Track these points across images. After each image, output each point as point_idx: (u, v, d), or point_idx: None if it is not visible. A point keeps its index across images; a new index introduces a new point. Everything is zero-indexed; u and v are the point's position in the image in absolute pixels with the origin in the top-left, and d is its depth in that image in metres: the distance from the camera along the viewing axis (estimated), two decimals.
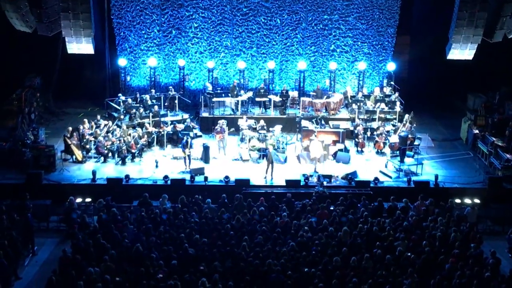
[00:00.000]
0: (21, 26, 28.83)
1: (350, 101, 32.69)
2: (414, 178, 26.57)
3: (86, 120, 29.58)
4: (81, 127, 28.62)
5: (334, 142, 29.01)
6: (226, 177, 25.96)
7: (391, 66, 34.30)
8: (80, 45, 28.52)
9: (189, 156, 27.34)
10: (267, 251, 19.42)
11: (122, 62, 33.74)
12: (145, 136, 29.12)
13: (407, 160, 28.21)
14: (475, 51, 29.35)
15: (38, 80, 33.13)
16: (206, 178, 26.05)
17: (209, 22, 34.01)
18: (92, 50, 28.94)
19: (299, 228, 21.04)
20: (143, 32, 34.01)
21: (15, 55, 33.29)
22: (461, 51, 29.46)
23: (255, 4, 33.82)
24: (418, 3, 34.93)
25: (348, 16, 34.18)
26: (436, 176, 26.31)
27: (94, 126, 29.22)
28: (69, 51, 28.90)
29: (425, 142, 29.67)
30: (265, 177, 26.39)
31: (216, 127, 29.15)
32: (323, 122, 30.58)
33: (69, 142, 27.71)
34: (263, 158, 27.96)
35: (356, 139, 29.73)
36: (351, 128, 30.67)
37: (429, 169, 27.86)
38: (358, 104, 31.86)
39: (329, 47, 34.69)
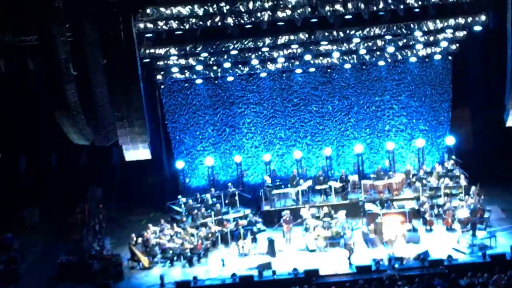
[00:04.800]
0: (79, 140, 29.43)
1: (412, 179, 32.07)
2: (489, 251, 25.58)
3: (150, 225, 29.70)
4: (145, 233, 28.71)
5: (402, 223, 28.28)
6: (295, 269, 25.37)
7: (450, 140, 33.71)
8: (137, 152, 28.85)
9: (243, 247, 27.29)
10: None
11: (179, 164, 34.04)
12: (209, 235, 28.98)
13: (479, 233, 27.24)
14: None
15: (99, 191, 33.61)
16: (274, 272, 25.56)
17: (261, 116, 34.30)
18: (149, 155, 29.23)
19: None
20: (198, 133, 34.42)
21: (74, 169, 33.99)
22: None
23: (305, 93, 34.05)
24: (470, 74, 34.41)
25: (399, 95, 34.07)
26: None
27: (158, 231, 29.24)
28: (127, 158, 29.23)
29: (495, 213, 28.82)
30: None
31: (285, 217, 28.89)
32: (388, 203, 29.88)
33: (135, 250, 27.72)
34: (329, 246, 27.52)
35: (424, 218, 28.98)
36: (417, 207, 29.90)
37: (503, 241, 26.84)
38: (421, 181, 31.20)
39: (384, 128, 34.47)
